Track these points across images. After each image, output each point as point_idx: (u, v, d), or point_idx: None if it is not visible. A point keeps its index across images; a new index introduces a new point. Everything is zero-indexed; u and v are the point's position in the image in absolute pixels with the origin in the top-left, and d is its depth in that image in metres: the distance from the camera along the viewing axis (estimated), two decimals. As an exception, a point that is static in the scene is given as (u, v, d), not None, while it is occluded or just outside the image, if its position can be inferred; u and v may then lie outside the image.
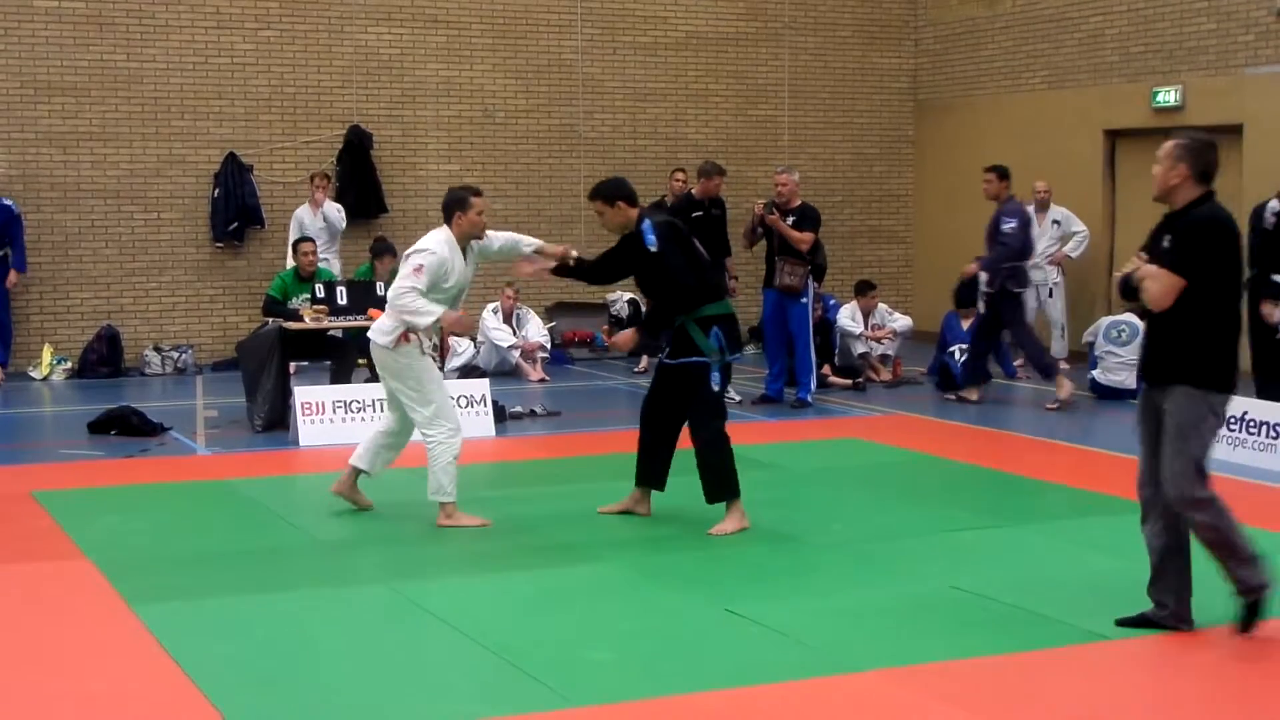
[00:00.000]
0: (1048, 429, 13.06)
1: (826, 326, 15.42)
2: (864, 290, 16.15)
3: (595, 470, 9.67)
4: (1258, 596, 6.61)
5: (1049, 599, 7.25)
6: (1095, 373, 14.52)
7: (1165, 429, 6.60)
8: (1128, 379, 14.23)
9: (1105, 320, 14.90)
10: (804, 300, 13.86)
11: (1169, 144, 6.78)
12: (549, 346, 16.83)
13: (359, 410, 11.99)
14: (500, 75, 18.26)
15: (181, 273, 17.07)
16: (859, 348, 15.73)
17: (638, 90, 18.91)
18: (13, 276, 15.68)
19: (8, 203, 15.66)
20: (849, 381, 15.14)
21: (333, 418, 11.95)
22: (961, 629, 6.84)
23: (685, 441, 11.90)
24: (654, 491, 9.16)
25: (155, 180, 16.89)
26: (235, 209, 16.99)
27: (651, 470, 9.12)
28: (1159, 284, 6.56)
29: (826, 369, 15.16)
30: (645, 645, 6.64)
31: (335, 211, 16.53)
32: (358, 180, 17.42)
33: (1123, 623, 6.74)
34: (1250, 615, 6.63)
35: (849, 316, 15.80)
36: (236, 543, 8.68)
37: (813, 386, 14.00)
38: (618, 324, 18.27)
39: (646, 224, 8.76)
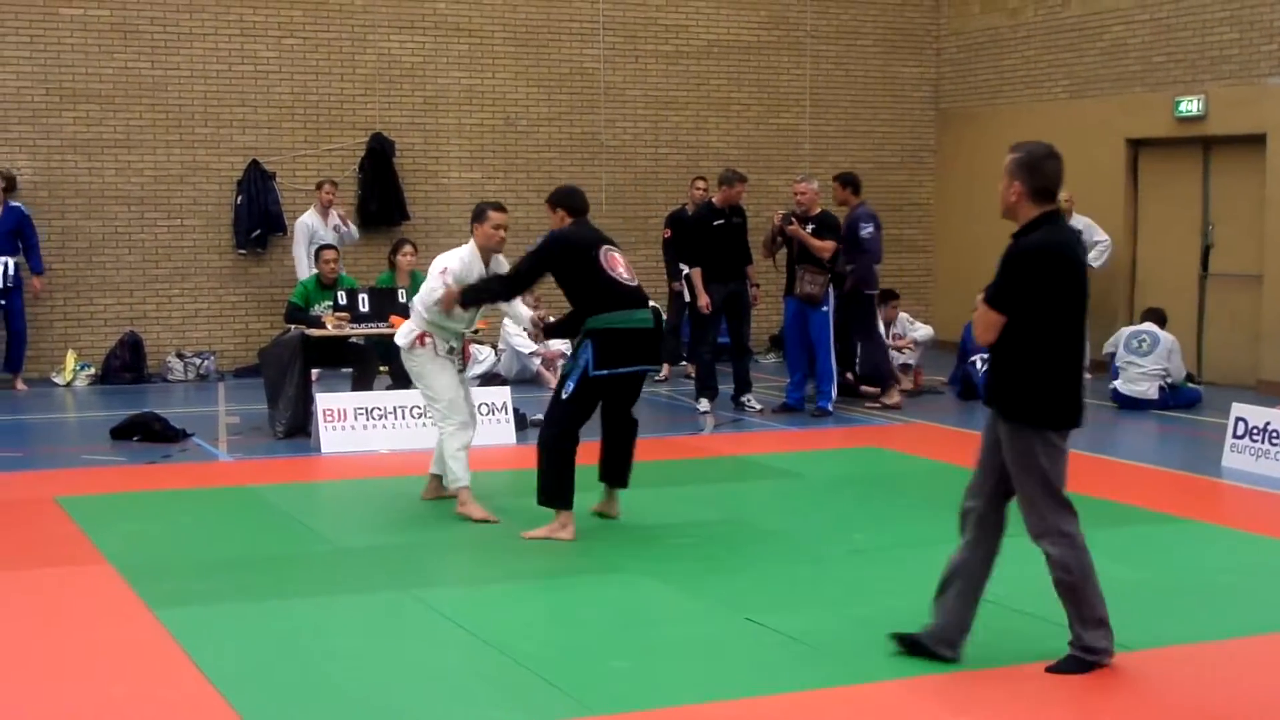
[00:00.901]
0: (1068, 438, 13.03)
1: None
2: (885, 299, 16.11)
3: (616, 478, 9.69)
4: (1094, 661, 6.28)
5: (1069, 609, 7.24)
6: (1117, 383, 14.49)
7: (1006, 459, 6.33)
8: (1149, 389, 14.21)
9: (1125, 330, 14.88)
10: (825, 309, 13.87)
11: (1008, 157, 6.24)
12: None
13: (380, 417, 12.02)
14: (522, 83, 18.29)
15: (204, 279, 17.13)
16: (880, 357, 15.72)
17: (659, 98, 18.93)
18: (37, 283, 15.70)
19: (16, 204, 15.67)
20: (876, 389, 15.09)
21: (354, 424, 11.98)
22: (980, 639, 6.82)
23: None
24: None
25: (179, 187, 16.95)
26: (258, 216, 17.03)
27: (603, 469, 9.27)
28: (978, 321, 6.27)
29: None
30: (664, 653, 6.65)
31: (342, 222, 16.49)
32: (380, 188, 17.46)
33: (899, 639, 6.47)
34: (1072, 668, 6.28)
35: (870, 325, 15.78)
36: (258, 548, 8.71)
37: (833, 395, 13.99)
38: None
39: (554, 231, 9.08)
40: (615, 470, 9.23)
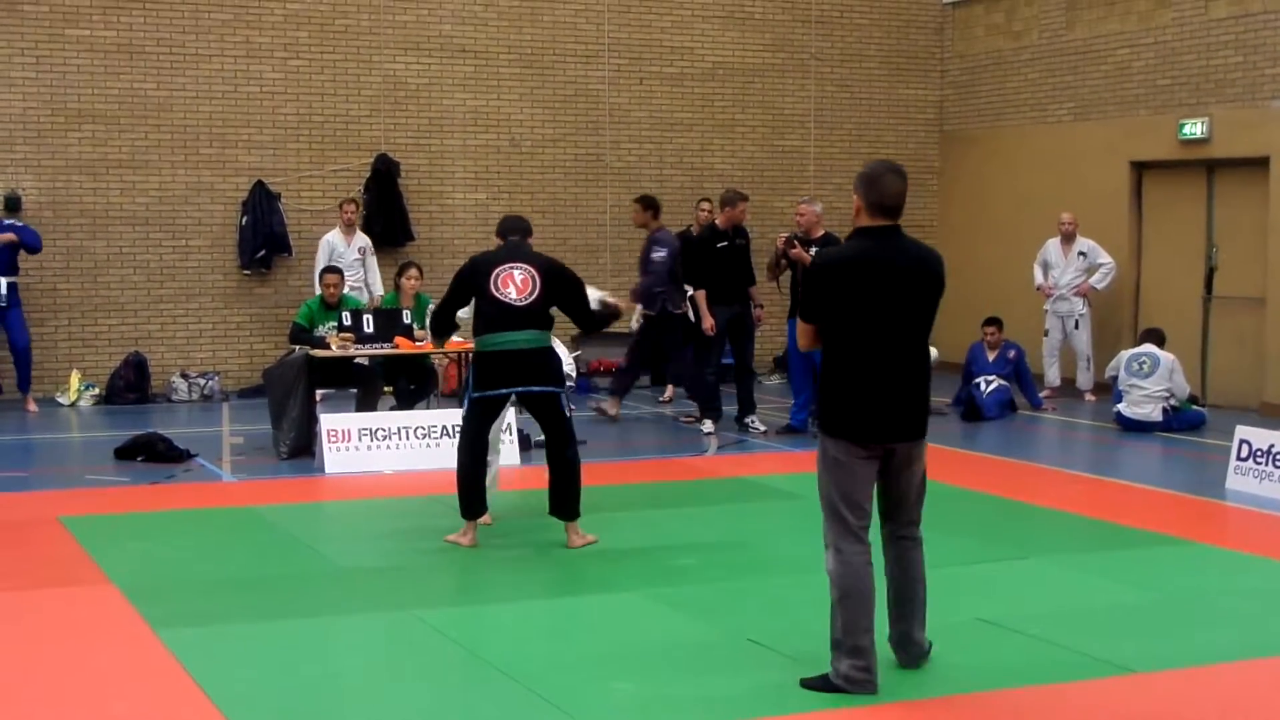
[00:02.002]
0: (1072, 461, 13.03)
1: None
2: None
3: (619, 500, 9.68)
4: (839, 686, 6.22)
5: (1073, 631, 7.24)
6: (1120, 406, 14.48)
7: None
8: (1153, 411, 14.20)
9: (1125, 353, 14.87)
10: (829, 331, 13.84)
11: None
12: (574, 375, 16.81)
13: (385, 438, 12.03)
14: (527, 105, 18.33)
15: (209, 300, 17.15)
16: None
17: (664, 120, 18.96)
18: (12, 236, 15.40)
19: (10, 221, 15.59)
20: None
21: (358, 445, 11.98)
22: (985, 661, 6.82)
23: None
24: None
25: (184, 208, 16.98)
26: (263, 237, 17.05)
27: (550, 503, 9.34)
28: (798, 331, 6.49)
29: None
30: (667, 674, 6.64)
31: (363, 255, 16.53)
32: (385, 208, 17.48)
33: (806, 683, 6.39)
34: (817, 685, 6.28)
35: (874, 347, 15.74)
36: (261, 569, 8.71)
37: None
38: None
39: None
40: (557, 505, 9.25)
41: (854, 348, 6.26)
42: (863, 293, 6.22)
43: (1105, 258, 16.69)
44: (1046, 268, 16.98)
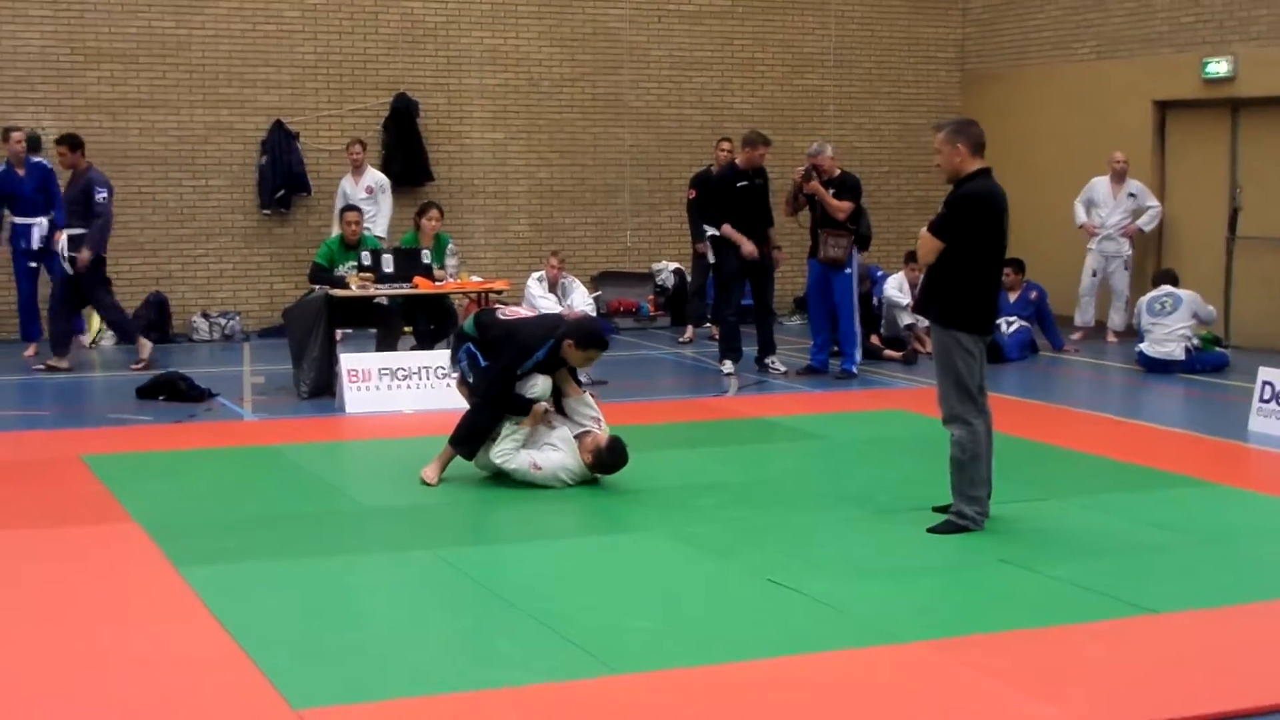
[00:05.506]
0: (1094, 402, 13.00)
1: (869, 299, 15.33)
2: (912, 261, 16.02)
3: (640, 439, 9.65)
4: (964, 525, 7.88)
5: (1094, 572, 7.23)
6: (1143, 345, 14.42)
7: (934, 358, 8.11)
8: (1175, 350, 14.14)
9: (1144, 299, 14.76)
10: (848, 271, 13.81)
11: (942, 133, 7.95)
12: (594, 315, 16.81)
13: (405, 377, 12.04)
14: (545, 43, 18.22)
15: (229, 240, 17.14)
16: (905, 319, 15.62)
17: (683, 59, 18.84)
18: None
19: (39, 160, 15.22)
20: (899, 354, 15.06)
21: (378, 385, 12.00)
22: (1006, 601, 6.83)
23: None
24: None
25: (203, 147, 16.96)
26: (282, 176, 17.02)
27: None
28: (924, 245, 8.00)
29: (875, 339, 15.12)
30: (688, 614, 6.66)
31: (371, 192, 16.37)
32: (403, 148, 17.43)
33: (934, 530, 7.96)
34: (947, 529, 7.91)
35: (896, 287, 15.67)
36: (282, 507, 8.74)
37: (858, 358, 13.97)
38: (663, 293, 18.27)
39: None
40: None
41: (984, 262, 7.87)
42: (994, 220, 7.91)
43: (1153, 200, 16.58)
44: (1090, 206, 16.83)
